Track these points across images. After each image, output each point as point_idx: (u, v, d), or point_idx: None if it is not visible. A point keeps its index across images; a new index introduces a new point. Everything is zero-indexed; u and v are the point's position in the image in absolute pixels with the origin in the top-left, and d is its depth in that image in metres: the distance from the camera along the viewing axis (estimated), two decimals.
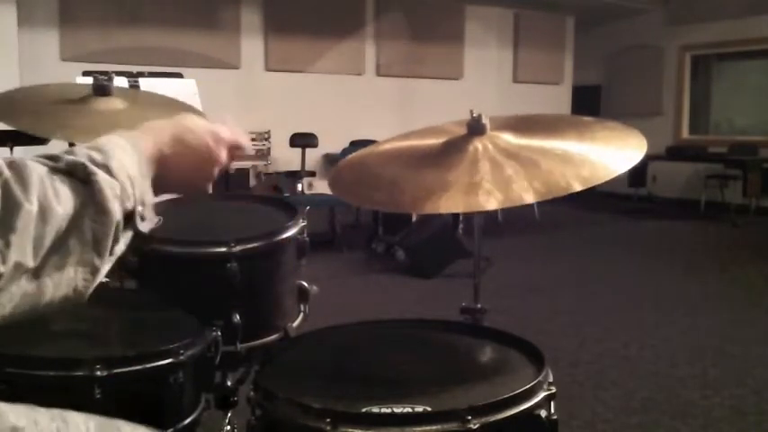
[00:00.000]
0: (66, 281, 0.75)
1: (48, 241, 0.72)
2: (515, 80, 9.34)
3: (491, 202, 1.14)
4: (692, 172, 8.99)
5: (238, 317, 1.46)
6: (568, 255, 6.32)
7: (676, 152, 8.80)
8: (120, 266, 1.51)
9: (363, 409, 1.01)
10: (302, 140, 7.18)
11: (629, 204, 9.01)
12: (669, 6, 9.52)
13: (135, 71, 2.97)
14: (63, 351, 1.18)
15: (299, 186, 6.93)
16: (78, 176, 0.77)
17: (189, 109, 2.25)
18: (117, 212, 0.78)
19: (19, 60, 6.07)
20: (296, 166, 7.11)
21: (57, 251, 0.74)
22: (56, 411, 0.86)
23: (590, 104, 9.71)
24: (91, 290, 0.78)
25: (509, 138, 1.31)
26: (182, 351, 1.19)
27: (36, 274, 0.72)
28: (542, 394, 1.05)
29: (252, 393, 1.10)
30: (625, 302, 4.59)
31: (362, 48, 8.23)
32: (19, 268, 0.70)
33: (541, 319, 4.10)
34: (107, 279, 1.63)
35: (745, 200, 8.25)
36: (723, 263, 5.88)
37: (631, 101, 9.68)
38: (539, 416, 1.04)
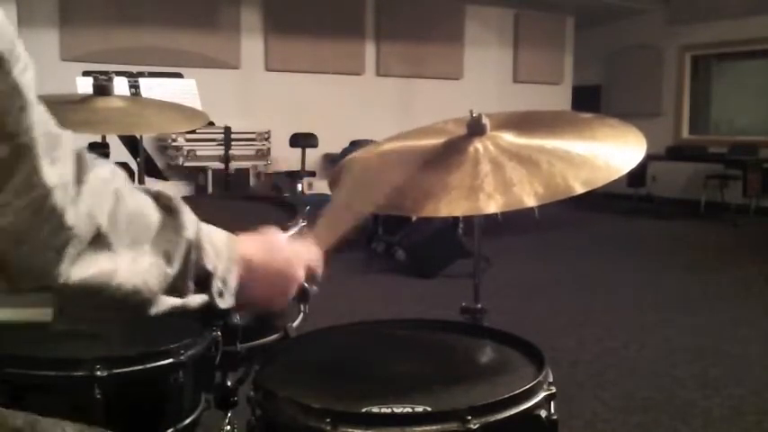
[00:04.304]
0: (138, 272, 0.77)
1: (122, 221, 0.75)
2: (515, 80, 9.34)
3: (491, 206, 1.14)
4: (692, 172, 8.98)
5: (238, 317, 1.46)
6: (568, 255, 6.32)
7: (676, 152, 8.79)
8: None
9: (363, 409, 1.01)
10: (302, 140, 7.18)
11: (629, 204, 9.01)
12: (669, 6, 9.52)
13: (135, 71, 2.97)
14: (63, 351, 1.18)
15: (299, 186, 6.92)
16: (161, 203, 0.82)
17: (187, 109, 2.25)
18: (191, 232, 0.82)
19: None
20: (296, 166, 7.11)
21: (131, 245, 0.77)
22: (54, 420, 0.86)
23: (590, 104, 9.70)
24: (158, 303, 0.80)
25: (510, 137, 1.30)
26: (182, 351, 1.19)
27: (111, 248, 0.74)
28: (542, 394, 1.06)
29: (252, 393, 1.10)
30: (625, 302, 4.59)
31: (362, 48, 8.23)
32: (92, 220, 0.72)
33: (541, 319, 4.10)
34: None
35: (745, 200, 8.25)
36: (723, 263, 5.88)
37: (631, 101, 9.68)
38: (539, 416, 1.04)
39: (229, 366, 1.52)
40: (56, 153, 0.68)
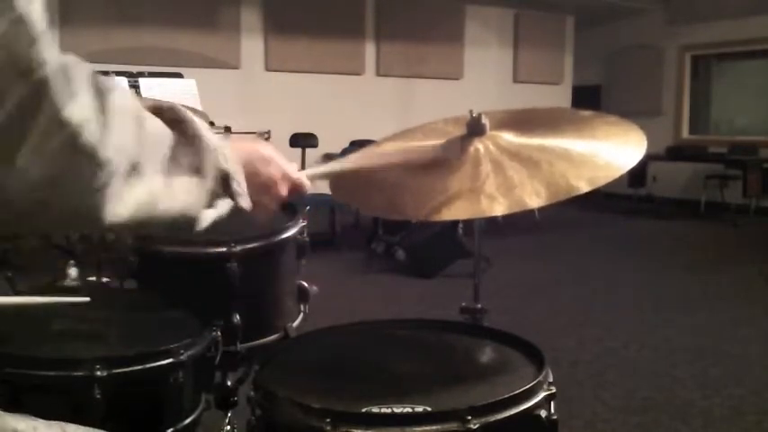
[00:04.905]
0: (176, 195, 0.76)
1: (148, 145, 0.73)
2: (515, 80, 9.34)
3: (495, 209, 1.14)
4: (692, 172, 8.98)
5: (238, 317, 1.46)
6: (568, 255, 6.32)
7: (676, 152, 8.79)
8: (121, 266, 1.51)
9: (363, 409, 1.01)
10: (302, 140, 7.18)
11: (629, 204, 9.01)
12: (669, 6, 9.52)
13: (135, 71, 2.97)
14: (63, 351, 1.18)
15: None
16: (167, 117, 0.79)
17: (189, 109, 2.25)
18: (213, 142, 0.81)
19: None
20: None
21: (162, 167, 0.75)
22: (55, 423, 0.86)
23: (590, 104, 9.70)
24: (201, 220, 0.80)
25: (509, 137, 1.30)
26: (182, 351, 1.19)
27: (147, 175, 0.72)
28: (542, 394, 1.06)
29: (252, 393, 1.10)
30: (625, 302, 4.59)
31: (362, 48, 8.23)
32: (122, 152, 0.69)
33: (541, 319, 4.10)
34: (107, 279, 1.63)
35: (745, 200, 8.25)
36: (723, 263, 5.88)
37: (631, 101, 9.68)
38: (539, 416, 1.04)
39: (229, 366, 1.52)
40: (73, 86, 0.64)
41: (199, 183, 0.79)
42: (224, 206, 0.85)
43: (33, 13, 0.60)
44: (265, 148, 0.99)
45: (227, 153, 0.86)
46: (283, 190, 1.00)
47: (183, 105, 0.85)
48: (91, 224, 0.69)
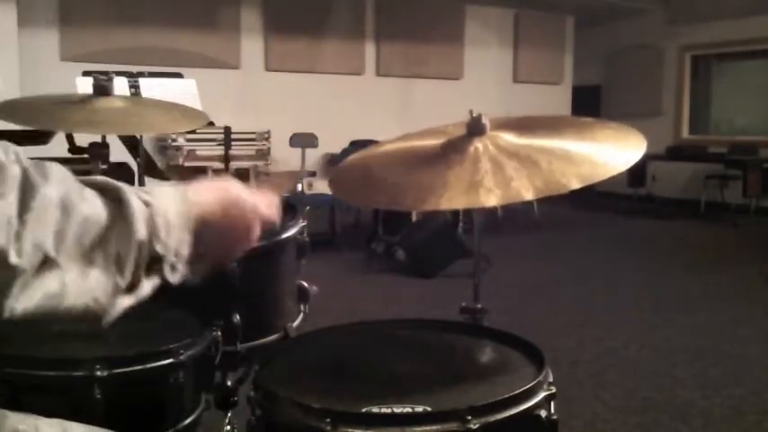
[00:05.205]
0: (88, 289, 0.74)
1: (70, 235, 0.72)
2: (515, 80, 9.34)
3: (491, 199, 1.14)
4: (692, 172, 8.98)
5: (238, 317, 1.46)
6: (568, 255, 6.32)
7: (676, 152, 8.79)
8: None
9: (363, 409, 1.01)
10: (302, 140, 7.17)
11: (629, 204, 9.01)
12: (669, 6, 9.52)
13: (135, 71, 2.96)
14: (63, 351, 1.18)
15: (299, 186, 6.92)
16: (109, 196, 0.78)
17: (187, 109, 2.25)
18: (142, 233, 0.77)
19: (19, 60, 6.07)
20: (296, 166, 7.11)
21: (82, 257, 0.73)
22: (56, 420, 0.86)
23: (590, 104, 9.70)
24: (111, 313, 0.77)
25: (509, 137, 1.31)
26: (182, 351, 1.19)
27: (59, 267, 0.71)
28: (542, 394, 1.06)
29: (252, 393, 1.10)
30: (625, 302, 4.59)
31: (362, 48, 8.23)
32: (38, 250, 0.69)
33: (541, 319, 4.10)
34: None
35: (745, 200, 8.25)
36: (723, 263, 5.88)
37: (631, 101, 9.68)
38: (539, 416, 1.04)
39: (229, 366, 1.52)
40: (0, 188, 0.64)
41: (114, 276, 0.76)
42: (147, 289, 0.81)
43: None
44: (233, 187, 0.93)
45: (176, 223, 0.82)
46: (257, 230, 0.95)
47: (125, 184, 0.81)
48: None
